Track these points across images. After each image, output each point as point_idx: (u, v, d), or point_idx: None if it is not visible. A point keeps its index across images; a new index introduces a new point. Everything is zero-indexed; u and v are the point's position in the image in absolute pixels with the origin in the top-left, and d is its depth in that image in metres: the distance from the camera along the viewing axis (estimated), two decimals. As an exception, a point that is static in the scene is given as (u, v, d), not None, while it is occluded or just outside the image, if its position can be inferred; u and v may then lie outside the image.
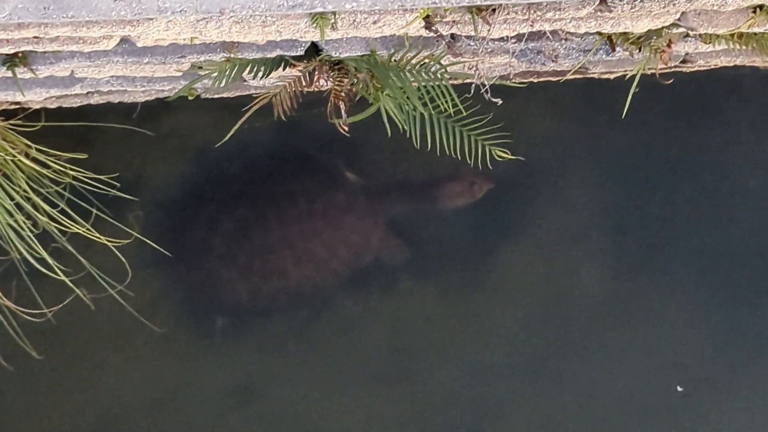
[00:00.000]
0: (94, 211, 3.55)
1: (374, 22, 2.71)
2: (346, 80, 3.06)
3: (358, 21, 2.71)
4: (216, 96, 3.57)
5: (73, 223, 3.44)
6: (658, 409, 4.02)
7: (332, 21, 2.70)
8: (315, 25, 2.70)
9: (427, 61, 2.94)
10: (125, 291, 3.69)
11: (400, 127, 3.06)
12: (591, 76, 3.52)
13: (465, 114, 3.02)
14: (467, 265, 4.00)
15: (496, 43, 2.96)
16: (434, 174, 3.97)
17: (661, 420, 4.03)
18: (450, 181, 3.98)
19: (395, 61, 2.96)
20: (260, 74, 3.05)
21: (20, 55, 2.96)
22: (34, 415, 3.89)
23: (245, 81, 3.32)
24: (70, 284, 3.52)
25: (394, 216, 4.01)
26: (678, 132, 4.01)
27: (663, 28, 2.88)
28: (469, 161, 3.03)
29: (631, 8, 2.72)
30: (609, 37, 3.01)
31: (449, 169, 3.95)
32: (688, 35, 3.03)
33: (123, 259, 3.59)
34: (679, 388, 4.02)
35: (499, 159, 3.03)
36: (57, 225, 3.43)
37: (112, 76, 3.22)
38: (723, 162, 4.03)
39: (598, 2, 2.71)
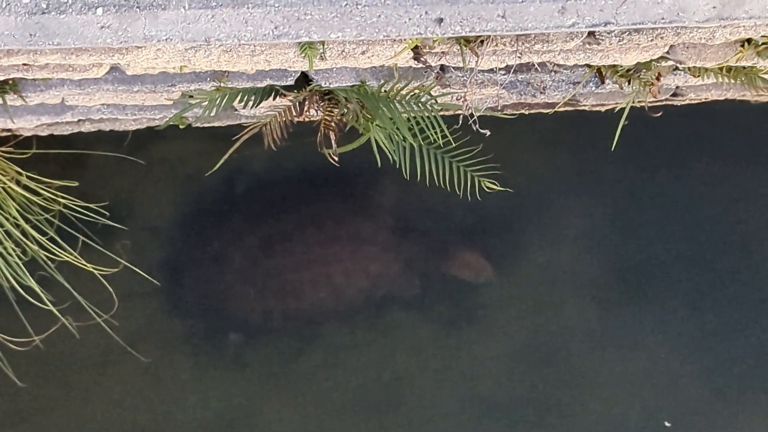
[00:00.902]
0: (82, 238, 3.54)
1: (363, 53, 2.71)
2: (336, 110, 3.06)
3: (346, 51, 2.71)
4: (207, 125, 3.56)
5: (61, 251, 3.43)
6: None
7: (321, 51, 2.69)
8: (303, 54, 2.70)
9: (417, 91, 2.94)
10: (111, 320, 3.68)
11: (390, 157, 3.05)
12: (582, 108, 3.52)
13: (455, 145, 3.02)
14: (458, 297, 4.00)
15: (485, 74, 2.96)
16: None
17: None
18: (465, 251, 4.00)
19: (385, 91, 2.96)
20: (251, 104, 3.04)
21: (10, 81, 2.96)
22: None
23: (236, 110, 3.32)
24: (57, 313, 3.51)
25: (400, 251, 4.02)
26: (668, 165, 4.00)
27: (652, 61, 2.88)
28: (458, 194, 3.02)
29: (619, 41, 2.72)
30: (598, 69, 3.00)
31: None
32: (677, 68, 3.03)
33: (110, 288, 3.58)
34: (666, 424, 4.01)
35: (488, 190, 3.02)
36: (46, 253, 3.42)
37: (102, 104, 3.22)
38: (713, 194, 4.02)
39: (586, 35, 2.71)
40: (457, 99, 3.00)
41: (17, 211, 3.40)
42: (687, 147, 4.00)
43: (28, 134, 3.53)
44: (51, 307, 3.48)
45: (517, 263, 3.99)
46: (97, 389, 3.90)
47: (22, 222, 3.39)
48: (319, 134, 3.06)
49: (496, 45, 2.73)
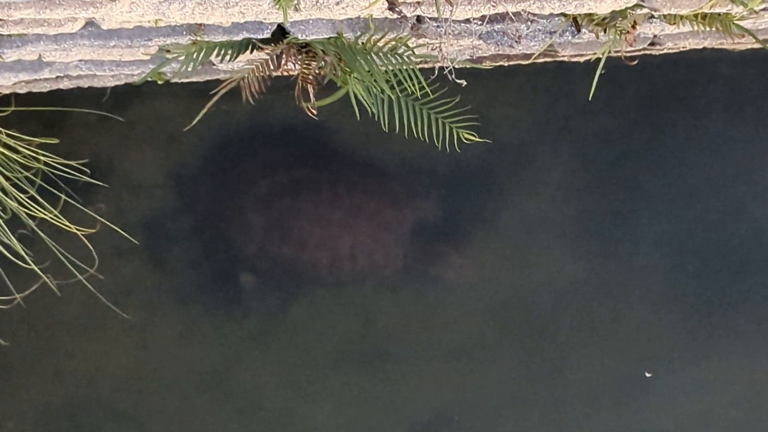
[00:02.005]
0: (63, 197, 3.55)
1: (337, 3, 2.70)
2: (313, 63, 3.05)
3: (321, 2, 2.70)
4: (185, 80, 3.56)
5: (42, 210, 3.44)
6: (626, 394, 4.03)
7: (295, 1, 2.69)
8: (278, 5, 2.69)
9: (393, 43, 2.93)
10: (96, 275, 3.69)
11: (369, 110, 3.05)
12: (561, 59, 3.52)
13: (432, 97, 3.02)
14: (437, 251, 4.01)
15: (461, 24, 2.96)
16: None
17: (629, 405, 4.04)
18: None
19: (362, 43, 2.95)
20: (228, 57, 3.04)
21: (-14, 38, 2.96)
22: (1, 401, 3.89)
23: (214, 65, 3.31)
24: (38, 271, 3.52)
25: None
26: (647, 115, 4.01)
27: (627, 8, 2.87)
28: (437, 146, 3.03)
29: (594, -12, 2.72)
30: (574, 18, 3.00)
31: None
32: (652, 16, 3.03)
33: (90, 247, 3.59)
34: (647, 374, 4.03)
35: (466, 142, 3.03)
36: (26, 211, 3.43)
37: (80, 60, 3.21)
38: (692, 145, 4.03)
39: (560, -18, 2.71)
40: (433, 50, 3.00)
41: (-3, 169, 3.41)
42: (666, 97, 4.01)
43: (7, 92, 3.52)
44: (32, 266, 3.48)
45: (497, 214, 4.00)
46: (81, 347, 3.92)
47: (2, 180, 3.39)
48: (297, 88, 3.06)
49: (471, -7, 2.73)
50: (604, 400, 4.03)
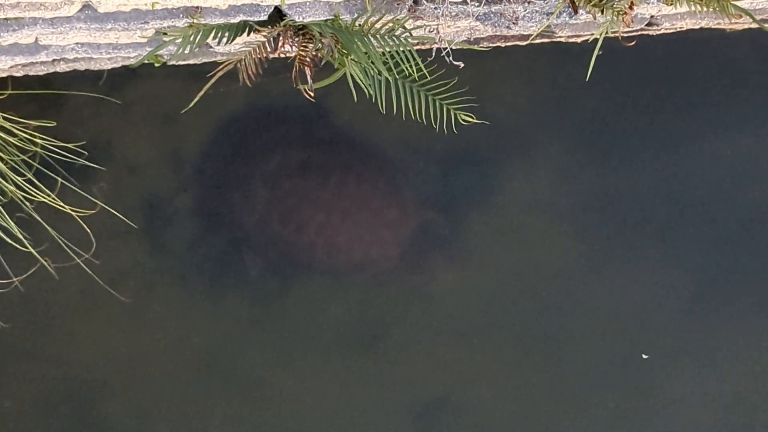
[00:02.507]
0: (60, 180, 3.54)
1: (334, -15, 2.71)
2: (310, 45, 3.05)
3: (318, -16, 2.71)
4: (182, 63, 3.55)
5: (39, 193, 3.43)
6: (623, 376, 4.04)
7: (292, -16, 2.69)
8: (275, -12, 2.69)
9: (390, 25, 2.93)
10: (92, 260, 3.69)
11: (366, 92, 3.05)
12: (558, 40, 3.51)
13: (429, 78, 3.02)
14: (435, 233, 4.02)
15: (458, 6, 2.96)
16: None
17: (625, 387, 4.05)
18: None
19: (359, 25, 2.95)
20: (225, 40, 3.03)
21: (-18, 22, 2.95)
22: None
23: (211, 47, 3.31)
24: (36, 254, 3.52)
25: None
26: (644, 95, 4.01)
27: (624, -11, 2.88)
28: (434, 127, 3.02)
29: (591, -32, 2.71)
30: (571, -1, 3.00)
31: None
32: (650, -3, 3.03)
33: (88, 230, 3.58)
34: (644, 356, 4.04)
35: (464, 123, 3.03)
36: (24, 194, 3.42)
37: (77, 43, 3.20)
38: (689, 125, 4.03)
39: (557, -37, 2.71)
40: (430, 31, 3.00)
41: (-6, 152, 3.40)
42: (663, 77, 4.01)
43: (4, 75, 3.52)
44: (31, 249, 3.48)
45: (494, 196, 4.00)
46: (79, 329, 3.92)
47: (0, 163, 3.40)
48: (295, 70, 3.05)
49: (467, -25, 2.73)
50: (602, 381, 4.03)
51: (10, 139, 3.43)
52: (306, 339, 3.99)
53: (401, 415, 4.02)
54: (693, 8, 2.96)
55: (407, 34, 2.93)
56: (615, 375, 4.04)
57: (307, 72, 3.05)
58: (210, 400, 3.97)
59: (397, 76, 3.02)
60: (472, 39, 3.16)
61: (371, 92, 3.04)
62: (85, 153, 3.58)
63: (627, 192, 4.03)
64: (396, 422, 4.02)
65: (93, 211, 3.59)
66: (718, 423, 4.06)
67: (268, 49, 3.04)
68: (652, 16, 3.31)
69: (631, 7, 2.91)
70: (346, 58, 3.03)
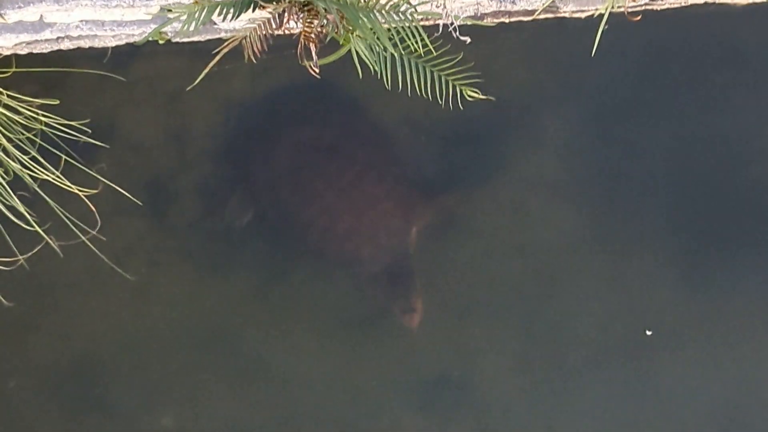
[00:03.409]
0: (64, 157, 3.54)
1: (341, -39, 2.69)
2: (315, 22, 3.04)
3: (324, -40, 2.69)
4: (187, 40, 3.54)
5: (44, 170, 3.43)
6: (627, 352, 4.04)
7: (298, -40, 2.68)
8: (281, -36, 2.68)
9: (396, 0, 2.92)
10: (98, 237, 3.69)
11: (371, 68, 3.05)
12: (562, 15, 3.51)
13: (435, 54, 3.01)
14: (440, 208, 4.02)
15: (464, -19, 2.96)
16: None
17: (629, 362, 4.05)
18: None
19: (365, 1, 2.94)
20: (229, 16, 3.02)
21: (-13, -1, 2.95)
22: (4, 361, 3.91)
23: (215, 24, 3.30)
24: (41, 232, 3.52)
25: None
26: (650, 70, 4.00)
27: (631, -36, 2.87)
28: (440, 103, 3.02)
29: (598, -57, 2.71)
30: (578, -27, 3.00)
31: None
32: (656, -29, 3.03)
33: (92, 207, 3.58)
34: (648, 332, 4.05)
35: (469, 98, 3.02)
36: (28, 172, 3.42)
37: (81, 20, 3.20)
38: (694, 99, 4.03)
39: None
40: (436, 7, 2.99)
41: (-1, 130, 3.40)
42: (668, 52, 4.00)
43: (8, 53, 3.51)
44: (36, 227, 3.48)
45: (499, 171, 4.00)
46: (84, 307, 3.93)
47: (4, 141, 3.38)
48: (300, 46, 3.05)
49: (474, -50, 2.72)
50: (605, 357, 4.04)
51: (14, 117, 3.42)
52: (309, 316, 4.00)
53: (404, 392, 4.03)
54: (700, -18, 2.96)
55: (412, 9, 2.92)
56: (618, 351, 4.04)
57: (312, 48, 3.05)
58: (215, 377, 3.98)
59: (402, 52, 3.02)
60: (482, 15, 3.15)
61: (377, 68, 3.04)
62: (89, 131, 3.57)
63: (631, 168, 4.02)
64: (399, 398, 4.03)
65: (96, 190, 3.59)
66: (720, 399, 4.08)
67: (273, 26, 3.03)
68: (657, -9, 3.32)
69: (637, -18, 2.91)
70: (351, 34, 3.03)
